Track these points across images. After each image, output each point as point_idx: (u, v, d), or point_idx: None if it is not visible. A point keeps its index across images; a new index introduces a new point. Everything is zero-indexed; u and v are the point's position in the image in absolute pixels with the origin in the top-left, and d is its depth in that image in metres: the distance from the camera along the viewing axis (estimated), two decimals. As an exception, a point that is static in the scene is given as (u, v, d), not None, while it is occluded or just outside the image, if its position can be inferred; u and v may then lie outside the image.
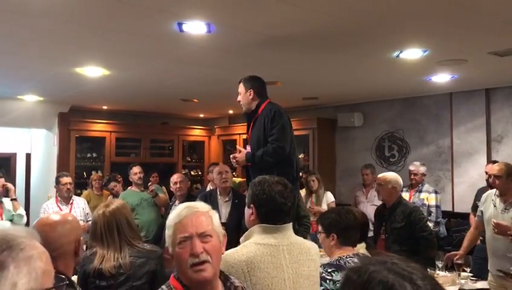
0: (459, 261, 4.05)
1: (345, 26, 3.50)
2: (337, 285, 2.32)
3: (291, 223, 2.10)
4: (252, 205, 2.08)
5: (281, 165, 3.48)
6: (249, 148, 3.66)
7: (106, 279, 2.61)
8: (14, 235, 0.91)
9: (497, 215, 3.86)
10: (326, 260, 2.66)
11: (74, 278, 2.61)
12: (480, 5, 3.09)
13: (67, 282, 0.99)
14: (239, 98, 3.73)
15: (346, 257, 2.47)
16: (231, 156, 3.76)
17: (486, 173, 5.02)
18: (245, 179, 4.32)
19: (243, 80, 3.72)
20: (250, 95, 3.65)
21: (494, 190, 4.01)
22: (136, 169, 5.87)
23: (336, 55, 4.38)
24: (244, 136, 6.22)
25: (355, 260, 2.47)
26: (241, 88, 3.71)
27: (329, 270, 2.37)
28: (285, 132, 3.56)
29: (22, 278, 0.87)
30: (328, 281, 2.33)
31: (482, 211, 4.06)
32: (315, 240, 3.70)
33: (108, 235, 2.69)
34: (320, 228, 2.63)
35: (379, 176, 4.30)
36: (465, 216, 5.70)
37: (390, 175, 4.23)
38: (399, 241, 4.00)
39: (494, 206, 3.91)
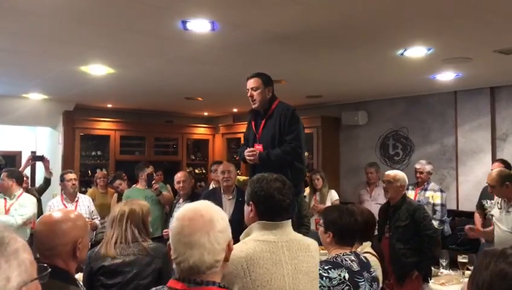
0: (463, 260, 4.04)
1: (349, 24, 3.50)
2: (333, 282, 2.33)
3: (290, 220, 2.10)
4: (250, 202, 2.09)
5: (294, 164, 3.50)
6: (257, 146, 3.64)
7: (113, 277, 2.61)
8: None
9: (502, 217, 3.89)
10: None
11: (78, 276, 2.61)
12: (486, 2, 3.08)
13: (49, 270, 1.01)
14: (252, 93, 3.59)
15: (343, 255, 2.47)
16: (249, 149, 3.61)
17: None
18: (249, 178, 4.32)
19: (258, 75, 3.60)
20: (269, 93, 3.60)
21: None
22: (151, 169, 5.80)
23: (340, 53, 4.37)
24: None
25: (353, 257, 2.47)
26: (259, 83, 3.57)
27: (325, 267, 2.38)
28: (302, 132, 3.59)
29: (13, 271, 0.88)
30: (324, 278, 2.33)
31: (492, 215, 4.08)
32: (319, 238, 3.69)
33: (119, 221, 2.75)
34: (321, 221, 2.63)
35: (388, 173, 4.29)
36: (469, 215, 5.68)
37: (399, 173, 4.23)
38: (403, 239, 4.00)
39: (499, 208, 3.93)
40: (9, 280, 0.87)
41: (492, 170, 5.05)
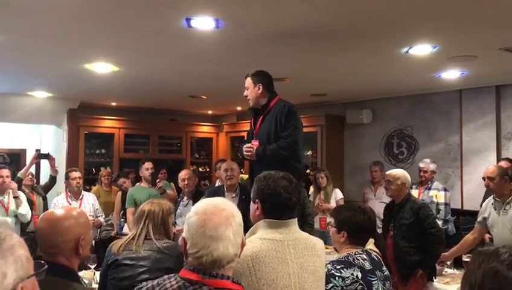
0: (468, 259, 4.02)
1: (353, 22, 3.49)
2: (346, 281, 2.31)
3: (296, 219, 2.09)
4: (257, 200, 2.08)
5: (289, 162, 3.47)
6: (254, 142, 3.64)
7: (124, 271, 2.69)
8: None
9: (498, 218, 3.88)
10: (335, 256, 2.64)
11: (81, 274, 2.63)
12: (491, 0, 3.06)
13: (46, 267, 1.01)
14: (246, 92, 3.69)
15: (355, 253, 2.45)
16: (247, 145, 3.66)
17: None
18: (248, 175, 4.31)
19: (251, 74, 3.68)
20: (259, 90, 3.62)
21: (490, 197, 4.06)
22: (147, 165, 5.88)
23: (344, 51, 4.36)
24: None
25: (364, 256, 2.46)
26: (249, 83, 3.67)
27: (338, 267, 2.36)
28: (299, 129, 3.57)
29: (9, 267, 0.88)
30: (337, 277, 2.32)
31: (484, 218, 4.06)
32: (323, 237, 3.68)
33: (138, 219, 2.87)
34: (332, 221, 2.62)
35: (388, 172, 4.29)
36: (474, 214, 5.62)
37: (399, 172, 4.22)
38: (407, 237, 3.98)
39: (495, 209, 3.92)
40: (5, 275, 0.87)
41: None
